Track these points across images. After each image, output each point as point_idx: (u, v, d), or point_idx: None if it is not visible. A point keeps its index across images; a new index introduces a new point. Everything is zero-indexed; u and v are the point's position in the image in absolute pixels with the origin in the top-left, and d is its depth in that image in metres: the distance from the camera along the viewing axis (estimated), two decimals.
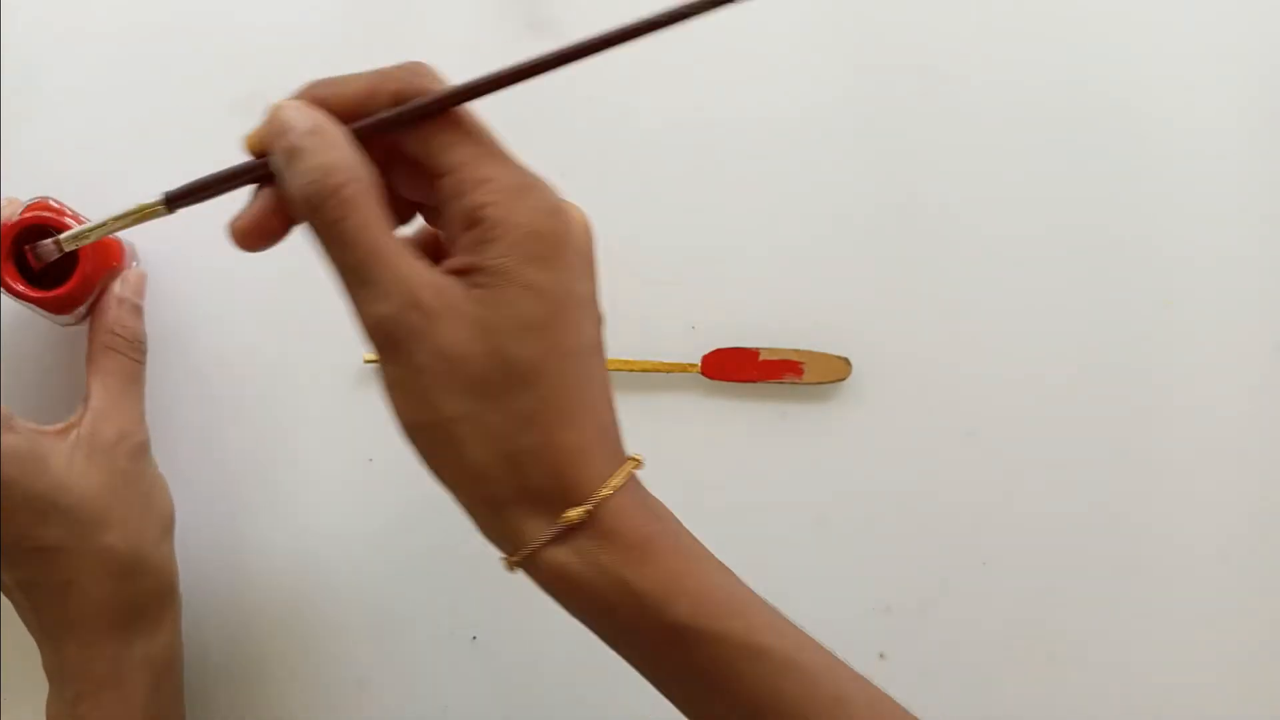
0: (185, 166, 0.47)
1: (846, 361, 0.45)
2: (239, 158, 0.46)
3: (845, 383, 0.45)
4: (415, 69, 0.30)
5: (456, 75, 0.48)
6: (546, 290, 0.28)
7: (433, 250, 0.32)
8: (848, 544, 0.44)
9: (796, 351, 0.45)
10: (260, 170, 0.31)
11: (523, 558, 0.29)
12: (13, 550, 0.37)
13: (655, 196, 0.47)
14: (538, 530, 0.28)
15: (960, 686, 0.44)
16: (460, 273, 0.28)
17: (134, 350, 0.42)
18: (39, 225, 0.41)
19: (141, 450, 0.41)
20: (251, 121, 0.46)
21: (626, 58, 0.48)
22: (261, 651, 0.45)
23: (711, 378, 0.44)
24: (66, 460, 0.38)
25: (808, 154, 0.47)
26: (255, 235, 0.31)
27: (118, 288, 0.42)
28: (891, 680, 0.44)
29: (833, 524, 0.44)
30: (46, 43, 0.48)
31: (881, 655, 0.44)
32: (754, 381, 0.45)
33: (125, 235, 0.46)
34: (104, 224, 0.33)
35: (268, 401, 0.46)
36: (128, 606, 0.39)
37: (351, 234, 0.28)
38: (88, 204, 0.46)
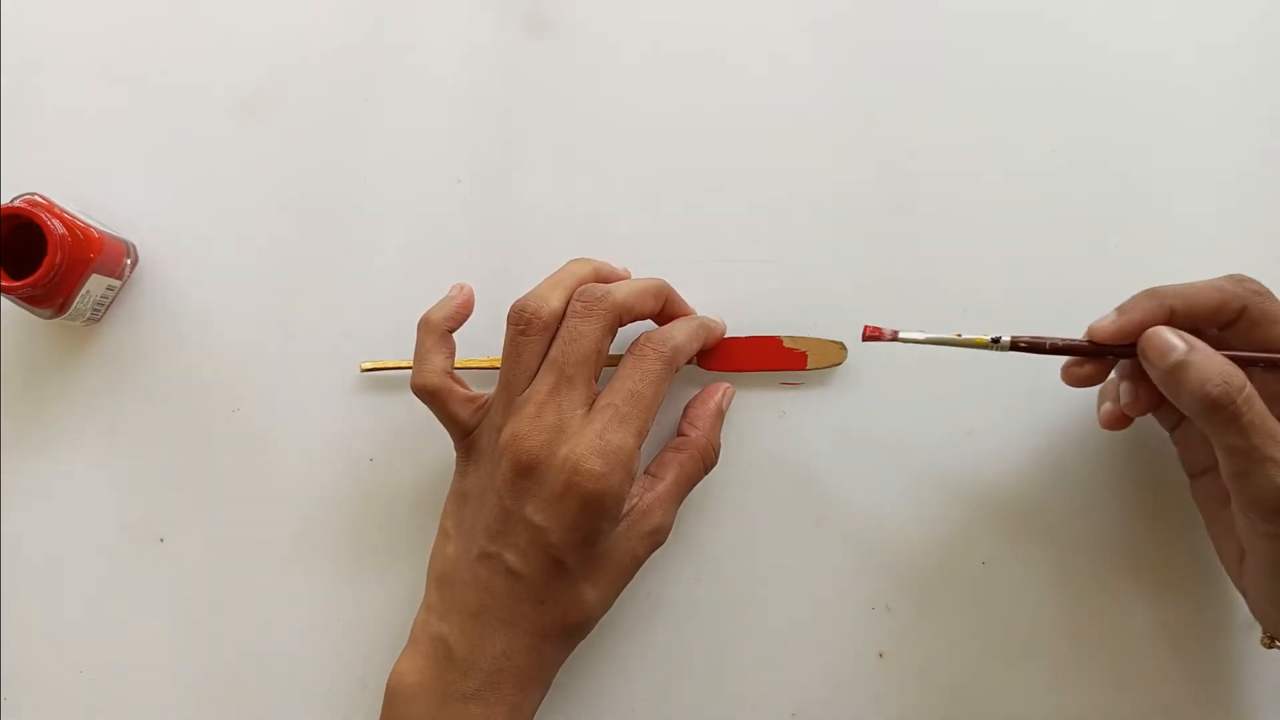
0: (184, 166, 0.48)
1: (842, 346, 0.45)
2: (238, 158, 0.47)
3: (842, 368, 0.45)
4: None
5: (456, 76, 0.48)
6: None
7: None
8: (848, 543, 0.44)
9: (793, 339, 0.44)
10: (1098, 353, 0.39)
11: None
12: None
13: (653, 191, 0.47)
14: None
15: (960, 686, 0.44)
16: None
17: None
18: (23, 217, 0.41)
19: None
20: (249, 122, 0.47)
21: (625, 56, 0.48)
22: (263, 649, 0.45)
23: (709, 369, 0.44)
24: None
25: (803, 145, 0.47)
26: (1118, 424, 0.41)
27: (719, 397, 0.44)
28: (891, 680, 0.45)
29: (833, 522, 0.44)
30: (47, 43, 0.48)
31: (881, 655, 0.44)
32: (751, 371, 0.44)
33: (124, 234, 0.46)
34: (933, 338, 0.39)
35: (268, 402, 0.46)
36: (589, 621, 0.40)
37: (1255, 423, 0.35)
38: (85, 203, 0.46)
